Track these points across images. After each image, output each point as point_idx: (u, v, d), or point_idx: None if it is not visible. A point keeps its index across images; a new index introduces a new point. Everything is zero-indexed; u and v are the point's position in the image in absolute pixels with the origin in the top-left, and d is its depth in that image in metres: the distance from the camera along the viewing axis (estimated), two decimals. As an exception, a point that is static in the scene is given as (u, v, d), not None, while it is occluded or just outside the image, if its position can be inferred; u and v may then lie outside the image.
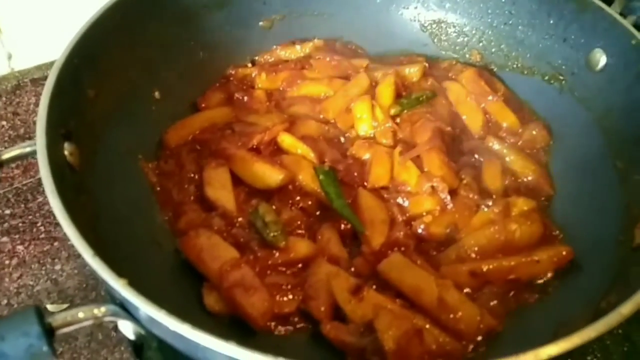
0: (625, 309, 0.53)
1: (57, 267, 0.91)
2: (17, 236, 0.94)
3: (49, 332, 0.53)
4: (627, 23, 0.84)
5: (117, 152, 0.83)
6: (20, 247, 0.92)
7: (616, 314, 0.53)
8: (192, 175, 0.88)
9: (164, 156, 0.90)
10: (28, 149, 0.69)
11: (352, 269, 0.78)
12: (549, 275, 0.77)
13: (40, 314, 0.54)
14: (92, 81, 0.80)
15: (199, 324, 0.52)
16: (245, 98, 0.99)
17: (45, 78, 0.72)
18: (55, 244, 0.94)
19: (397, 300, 0.73)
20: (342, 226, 0.83)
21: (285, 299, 0.74)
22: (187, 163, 0.89)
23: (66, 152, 0.70)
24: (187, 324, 0.50)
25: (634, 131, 0.81)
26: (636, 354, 0.80)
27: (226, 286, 0.72)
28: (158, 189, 0.87)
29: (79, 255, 0.56)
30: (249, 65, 1.06)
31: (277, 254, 0.78)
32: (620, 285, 0.64)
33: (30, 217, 0.97)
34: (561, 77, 0.96)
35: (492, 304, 0.74)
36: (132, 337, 0.59)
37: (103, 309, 0.55)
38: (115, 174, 0.81)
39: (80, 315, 0.54)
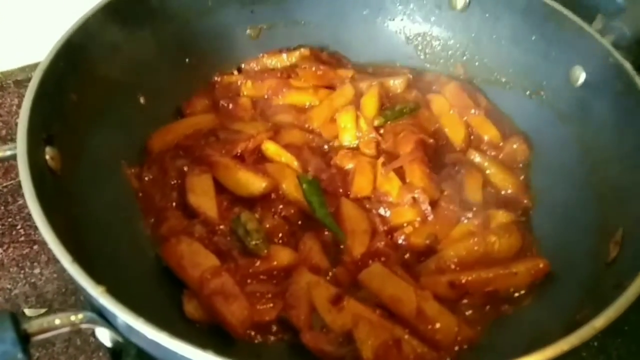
0: (598, 323, 0.54)
1: (37, 270, 0.90)
2: (-5, 239, 0.93)
3: (24, 339, 0.53)
4: (605, 42, 0.86)
5: (100, 157, 0.82)
6: (-1, 250, 0.91)
7: (589, 327, 0.54)
8: (175, 181, 0.88)
9: (147, 162, 0.90)
10: (8, 152, 0.68)
11: (333, 278, 0.79)
12: (526, 287, 0.78)
13: (16, 320, 0.53)
14: (75, 85, 0.79)
15: (178, 331, 0.52)
16: (231, 105, 0.99)
17: (29, 80, 0.72)
18: (35, 247, 0.93)
19: (377, 310, 0.73)
20: (324, 236, 0.84)
21: (265, 307, 0.74)
22: (170, 169, 0.89)
23: (47, 157, 0.69)
24: (164, 332, 0.50)
25: (611, 147, 0.83)
26: (611, 366, 0.82)
27: (206, 294, 0.72)
28: (140, 194, 0.86)
29: (58, 260, 0.56)
30: (235, 72, 1.07)
31: (258, 262, 0.79)
32: (595, 298, 0.65)
33: (9, 219, 0.96)
34: (542, 92, 0.97)
35: (470, 315, 0.75)
36: (109, 344, 0.59)
37: (80, 315, 0.55)
38: (97, 179, 0.80)
39: (57, 322, 0.53)
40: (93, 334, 0.81)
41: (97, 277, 0.56)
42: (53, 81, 0.74)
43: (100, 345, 0.81)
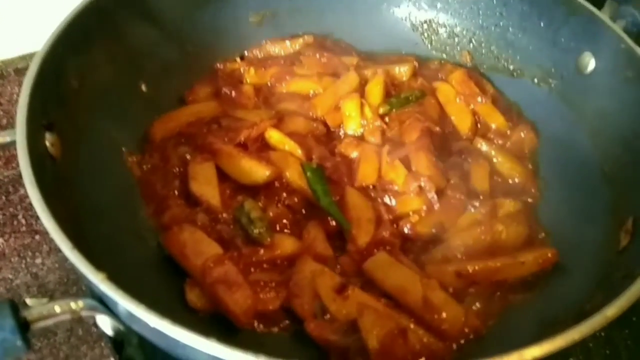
0: (610, 312, 0.53)
1: (38, 260, 0.89)
2: (-3, 229, 0.92)
3: (24, 326, 0.52)
4: (616, 27, 0.84)
5: (101, 145, 0.82)
6: (0, 240, 0.90)
7: (601, 316, 0.53)
8: (177, 169, 0.87)
9: (149, 150, 0.89)
10: (8, 139, 0.67)
11: (338, 268, 0.78)
12: (534, 277, 0.77)
13: (15, 307, 0.52)
14: (76, 71, 0.78)
15: (180, 320, 0.50)
16: (233, 93, 0.98)
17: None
18: (37, 237, 0.92)
19: (382, 300, 0.72)
20: (329, 224, 0.83)
21: (269, 296, 0.73)
22: (172, 157, 0.88)
23: (47, 143, 0.69)
24: (166, 319, 0.49)
25: (621, 135, 0.81)
26: (617, 356, 0.81)
27: (209, 282, 0.71)
28: (142, 183, 0.85)
29: (60, 249, 0.55)
30: (238, 60, 1.05)
31: (261, 251, 0.77)
32: (605, 288, 0.64)
33: (11, 209, 0.95)
34: (550, 80, 0.96)
35: (477, 304, 0.74)
36: (110, 332, 0.58)
37: (81, 303, 0.54)
38: (98, 166, 0.79)
39: (57, 309, 0.52)
40: (95, 323, 0.80)
41: (97, 264, 0.55)
42: (53, 67, 0.73)
43: (102, 335, 0.80)
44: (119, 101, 0.87)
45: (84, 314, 0.53)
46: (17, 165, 1.00)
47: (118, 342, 0.79)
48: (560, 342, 0.51)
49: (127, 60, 0.89)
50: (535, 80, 0.98)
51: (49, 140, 0.69)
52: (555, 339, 0.51)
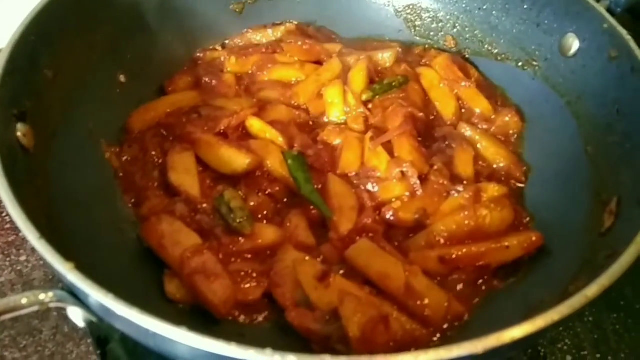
0: (590, 292, 0.52)
1: (22, 258, 0.88)
2: (-20, 227, 0.91)
3: (-10, 319, 0.51)
4: (599, 7, 0.83)
5: (78, 136, 0.80)
6: (-16, 238, 0.89)
7: (581, 296, 0.52)
8: (157, 160, 0.86)
9: (128, 141, 0.88)
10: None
11: (320, 256, 0.76)
12: (519, 261, 0.76)
13: (-20, 300, 0.51)
14: (50, 61, 0.77)
15: (159, 313, 0.49)
16: (214, 82, 0.97)
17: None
18: (21, 234, 0.90)
19: (365, 287, 0.71)
20: (311, 213, 0.81)
21: (249, 286, 0.72)
22: (151, 148, 0.86)
23: (19, 134, 0.67)
24: (135, 308, 0.48)
25: (605, 116, 0.80)
26: (606, 341, 0.80)
27: (187, 273, 0.70)
28: (121, 174, 0.84)
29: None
30: (219, 48, 1.04)
31: (242, 241, 0.76)
32: (588, 269, 0.63)
33: (-6, 207, 0.93)
34: (534, 63, 0.95)
35: (460, 290, 0.73)
36: (82, 324, 0.57)
37: (50, 294, 0.53)
38: (75, 157, 0.78)
39: (24, 301, 0.51)
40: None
41: (72, 256, 0.53)
42: (24, 56, 0.71)
43: (88, 332, 0.79)
44: (97, 92, 0.86)
45: (53, 305, 0.52)
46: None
47: (101, 339, 0.78)
48: (540, 323, 0.50)
49: (105, 51, 0.88)
50: (520, 63, 0.97)
51: (20, 130, 0.67)
52: (535, 320, 0.50)
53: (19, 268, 0.87)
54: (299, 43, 1.01)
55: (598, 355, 0.78)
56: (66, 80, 0.79)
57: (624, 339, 0.80)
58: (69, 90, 0.80)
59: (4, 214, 0.93)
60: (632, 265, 0.56)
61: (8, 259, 0.87)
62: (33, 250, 0.88)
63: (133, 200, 0.82)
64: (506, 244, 0.75)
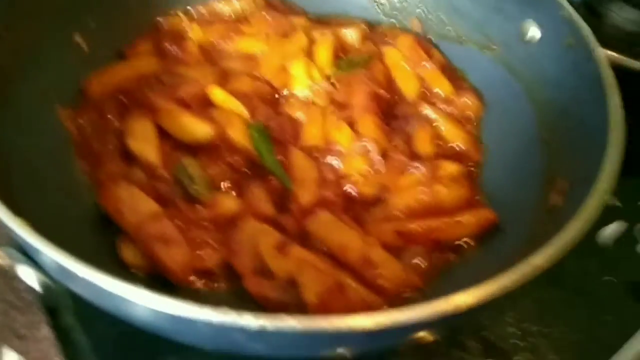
0: (536, 260, 0.55)
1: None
2: None
3: None
4: (558, -5, 0.85)
5: (31, 99, 0.77)
6: None
7: (527, 264, 0.55)
8: (115, 125, 0.83)
9: (85, 105, 0.85)
10: None
11: (280, 226, 0.76)
12: (472, 237, 0.78)
13: None
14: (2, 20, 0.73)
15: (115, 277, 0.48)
16: (176, 49, 0.94)
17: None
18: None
19: (323, 257, 0.72)
20: (272, 184, 0.81)
21: (207, 252, 0.71)
22: (109, 113, 0.84)
23: (-34, 95, 0.64)
24: (89, 265, 0.46)
25: (560, 101, 0.83)
26: (550, 315, 0.83)
27: (145, 239, 0.69)
28: (77, 139, 0.82)
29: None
30: (181, 15, 1.01)
31: (202, 209, 0.76)
32: (536, 243, 0.66)
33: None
34: (495, 48, 0.96)
35: (416, 263, 0.75)
36: (37, 287, 0.55)
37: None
38: (28, 120, 0.75)
39: (-29, 257, 0.49)
40: (27, 289, 0.76)
41: (25, 217, 0.52)
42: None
43: (33, 301, 0.77)
44: (51, 53, 0.82)
45: (1, 262, 0.50)
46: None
47: (52, 309, 0.76)
48: (492, 288, 0.52)
49: (59, 9, 0.84)
50: (481, 47, 0.99)
51: (-33, 92, 0.64)
52: (487, 285, 0.52)
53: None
54: (265, 14, 1.00)
55: (540, 328, 0.81)
56: (17, 38, 0.76)
57: (566, 314, 0.84)
58: (20, 50, 0.77)
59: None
60: (578, 242, 0.59)
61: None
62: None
63: (90, 166, 0.79)
64: (460, 219, 0.77)
